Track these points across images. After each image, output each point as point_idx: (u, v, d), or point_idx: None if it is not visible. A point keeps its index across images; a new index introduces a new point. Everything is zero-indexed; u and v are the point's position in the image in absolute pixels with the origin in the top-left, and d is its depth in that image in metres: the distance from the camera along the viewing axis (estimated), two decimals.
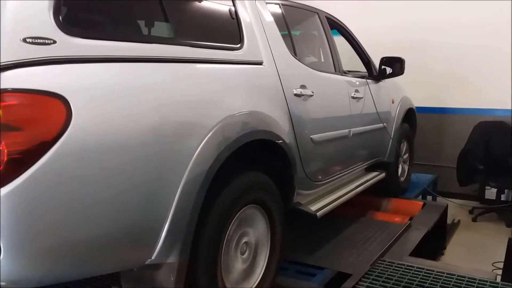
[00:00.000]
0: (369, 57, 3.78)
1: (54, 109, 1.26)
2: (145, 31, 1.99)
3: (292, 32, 2.71)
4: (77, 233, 1.35)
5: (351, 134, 3.10)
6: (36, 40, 1.27)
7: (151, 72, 1.58)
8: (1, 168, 1.19)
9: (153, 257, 1.56)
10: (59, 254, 1.35)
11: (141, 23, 1.99)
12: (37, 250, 1.30)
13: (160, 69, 1.62)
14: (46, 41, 1.29)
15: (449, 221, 4.29)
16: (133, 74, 1.51)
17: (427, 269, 2.49)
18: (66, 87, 1.29)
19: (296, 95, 2.41)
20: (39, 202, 1.25)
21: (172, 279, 1.61)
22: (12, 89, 1.20)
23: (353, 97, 3.15)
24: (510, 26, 5.00)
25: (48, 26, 1.31)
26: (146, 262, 1.57)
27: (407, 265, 2.55)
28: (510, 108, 5.17)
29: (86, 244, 1.38)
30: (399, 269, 2.50)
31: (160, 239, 1.56)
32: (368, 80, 3.52)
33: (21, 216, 1.23)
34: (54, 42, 1.31)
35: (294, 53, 2.58)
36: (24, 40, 1.25)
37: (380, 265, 2.56)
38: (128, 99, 1.44)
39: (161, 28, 1.97)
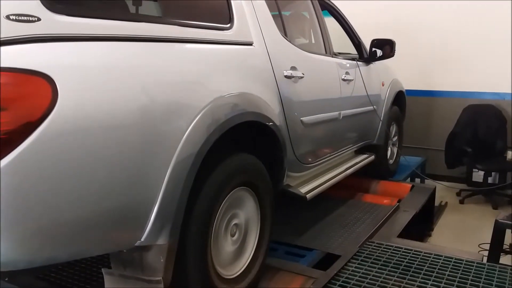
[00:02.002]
0: (360, 39, 3.76)
1: (40, 88, 1.22)
2: (132, 9, 1.95)
3: (282, 13, 2.67)
4: (65, 214, 1.33)
5: (341, 116, 3.10)
6: (20, 18, 1.23)
7: (139, 51, 1.54)
8: None
9: (142, 239, 1.55)
10: (48, 236, 1.33)
11: (129, 2, 1.94)
12: (24, 232, 1.27)
13: (148, 49, 1.59)
14: (31, 19, 1.25)
15: (436, 203, 4.35)
16: (120, 53, 1.47)
17: (415, 251, 2.52)
18: (52, 66, 1.25)
19: (286, 76, 2.38)
20: (25, 183, 1.23)
21: (161, 260, 1.60)
22: None
23: (343, 79, 3.14)
24: (500, 8, 5.00)
25: (32, 3, 1.27)
26: (136, 244, 1.55)
27: (395, 247, 2.57)
28: (498, 91, 5.20)
29: (74, 226, 1.36)
30: (388, 250, 2.53)
31: (149, 221, 1.54)
32: (358, 62, 3.51)
33: (8, 197, 1.21)
34: (39, 19, 1.26)
35: (285, 34, 2.55)
36: (8, 17, 1.20)
37: (369, 246, 2.59)
38: (115, 78, 1.41)
39: (149, 6, 1.93)
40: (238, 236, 2.05)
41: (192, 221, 1.71)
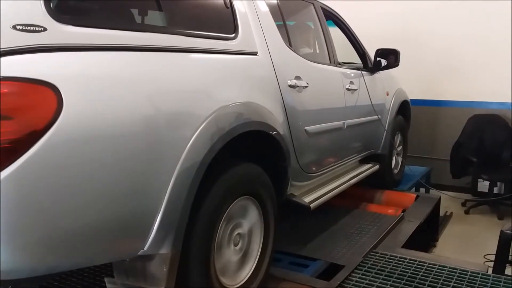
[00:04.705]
0: (364, 48, 3.76)
1: (45, 98, 1.23)
2: (138, 19, 1.96)
3: (287, 23, 2.68)
4: (68, 223, 1.33)
5: (346, 126, 3.10)
6: (26, 28, 1.24)
7: (144, 61, 1.55)
8: None
9: (145, 248, 1.55)
10: (50, 245, 1.33)
11: (135, 11, 1.96)
12: (27, 241, 1.28)
13: (153, 59, 1.60)
14: (37, 29, 1.26)
15: (441, 213, 4.32)
16: (125, 63, 1.48)
17: (419, 261, 2.50)
18: (57, 76, 1.26)
19: (290, 86, 2.39)
20: (30, 192, 1.23)
21: (164, 270, 1.59)
22: (2, 77, 1.17)
23: (348, 89, 3.14)
24: (505, 18, 5.00)
25: (39, 13, 1.28)
26: (139, 253, 1.55)
27: (400, 257, 2.56)
28: (504, 101, 5.18)
29: (77, 235, 1.37)
30: (392, 261, 2.51)
31: (152, 230, 1.54)
32: (363, 72, 3.51)
33: (12, 206, 1.21)
34: (45, 29, 1.28)
35: (289, 43, 2.56)
36: (14, 27, 1.22)
37: (373, 257, 2.57)
38: (120, 88, 1.42)
39: (154, 16, 1.94)
40: (241, 245, 2.05)
41: (195, 230, 1.71)
